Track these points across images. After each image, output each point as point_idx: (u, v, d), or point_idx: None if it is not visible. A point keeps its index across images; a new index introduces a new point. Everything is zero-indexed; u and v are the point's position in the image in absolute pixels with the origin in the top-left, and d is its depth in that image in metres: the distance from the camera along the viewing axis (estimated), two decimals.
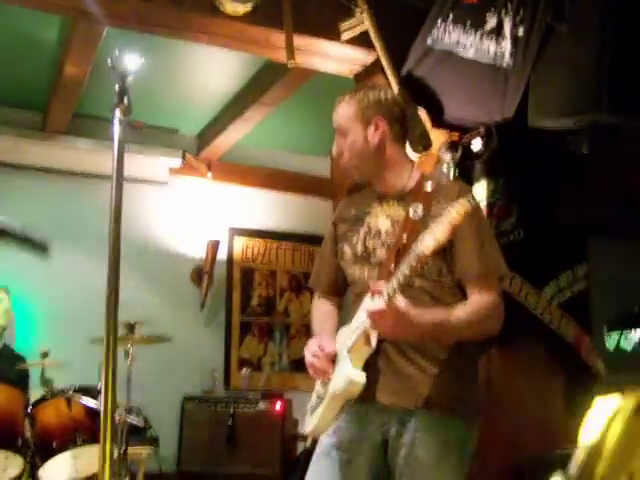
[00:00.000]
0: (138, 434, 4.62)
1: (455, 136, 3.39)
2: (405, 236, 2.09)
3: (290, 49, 3.35)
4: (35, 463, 3.71)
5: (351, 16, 3.32)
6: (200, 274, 6.07)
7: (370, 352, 2.08)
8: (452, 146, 3.37)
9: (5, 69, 4.87)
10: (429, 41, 3.25)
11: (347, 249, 2.32)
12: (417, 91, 3.31)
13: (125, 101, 1.63)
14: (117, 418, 3.79)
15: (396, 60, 3.33)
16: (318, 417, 2.18)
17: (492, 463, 3.07)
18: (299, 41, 3.42)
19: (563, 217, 3.27)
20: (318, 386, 2.22)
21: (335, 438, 2.20)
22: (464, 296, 2.15)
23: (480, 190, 3.25)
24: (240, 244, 6.32)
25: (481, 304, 2.10)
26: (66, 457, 3.68)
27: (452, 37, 3.18)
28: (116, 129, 1.62)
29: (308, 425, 2.23)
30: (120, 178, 1.57)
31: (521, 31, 2.99)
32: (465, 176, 3.32)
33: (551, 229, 3.25)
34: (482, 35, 3.11)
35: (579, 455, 0.72)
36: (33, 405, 3.89)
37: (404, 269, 1.90)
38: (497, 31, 3.07)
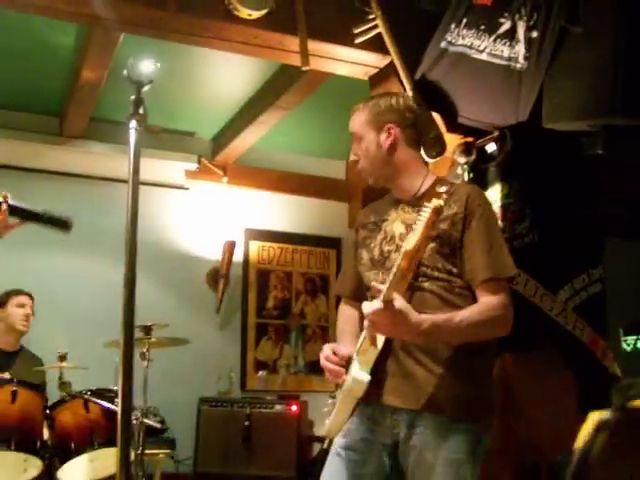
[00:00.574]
0: (155, 436, 4.65)
1: (469, 139, 3.39)
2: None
3: (304, 53, 3.36)
4: (53, 465, 3.74)
5: (365, 20, 3.33)
6: (216, 276, 6.11)
7: (377, 353, 2.11)
8: (466, 149, 3.37)
9: (23, 75, 4.93)
10: (443, 44, 3.25)
11: (365, 254, 2.36)
12: (431, 94, 3.31)
13: (141, 110, 1.65)
14: (134, 420, 3.82)
15: (410, 64, 3.33)
16: (331, 419, 2.21)
17: (507, 466, 3.06)
18: (313, 45, 3.43)
19: (578, 219, 3.26)
20: (337, 391, 2.25)
21: (346, 439, 2.23)
22: (474, 298, 2.16)
23: (494, 193, 3.25)
24: (256, 247, 6.35)
25: (489, 306, 2.12)
26: (84, 459, 3.71)
27: (465, 40, 3.18)
28: (132, 138, 1.64)
29: (325, 427, 2.26)
30: (136, 186, 1.60)
31: (535, 34, 2.99)
32: (479, 179, 3.32)
33: (566, 232, 3.23)
34: (496, 38, 3.11)
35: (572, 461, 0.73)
36: (51, 407, 3.92)
37: (394, 269, 1.96)
38: (511, 34, 3.07)
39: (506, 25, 3.07)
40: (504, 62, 3.07)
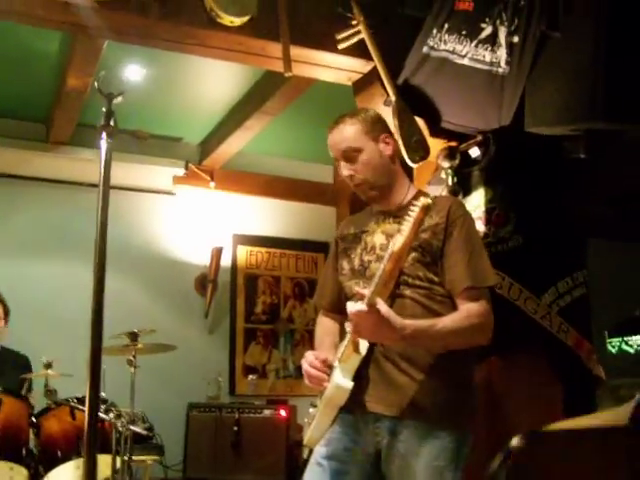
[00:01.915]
0: (143, 442, 4.63)
1: (453, 144, 3.40)
2: None
3: (287, 60, 3.37)
4: (39, 473, 3.73)
5: (347, 26, 3.34)
6: (204, 282, 6.10)
7: (360, 359, 2.12)
8: (450, 154, 3.38)
9: (8, 82, 4.92)
10: (425, 49, 3.27)
11: (345, 265, 2.37)
12: (414, 99, 3.32)
13: (112, 122, 1.66)
14: (120, 427, 3.81)
15: (393, 69, 3.35)
16: (312, 428, 2.21)
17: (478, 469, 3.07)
18: (296, 51, 3.44)
19: (562, 223, 3.28)
20: (317, 399, 2.24)
21: (328, 448, 2.22)
22: (454, 307, 2.17)
23: (478, 197, 3.26)
24: (244, 251, 6.35)
25: (469, 312, 2.13)
26: (70, 466, 3.70)
27: (448, 46, 3.20)
28: (103, 150, 1.65)
29: (305, 436, 2.25)
30: (106, 195, 1.60)
31: (516, 39, 3.00)
32: (463, 183, 3.33)
33: (550, 235, 3.25)
34: (477, 43, 3.13)
35: None
36: (37, 415, 3.91)
37: (379, 271, 1.97)
38: (492, 39, 3.09)
39: (487, 30, 3.09)
40: (486, 67, 3.09)
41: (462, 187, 3.34)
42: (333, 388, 2.11)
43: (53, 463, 3.75)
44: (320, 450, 2.24)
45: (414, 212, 1.94)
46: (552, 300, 3.27)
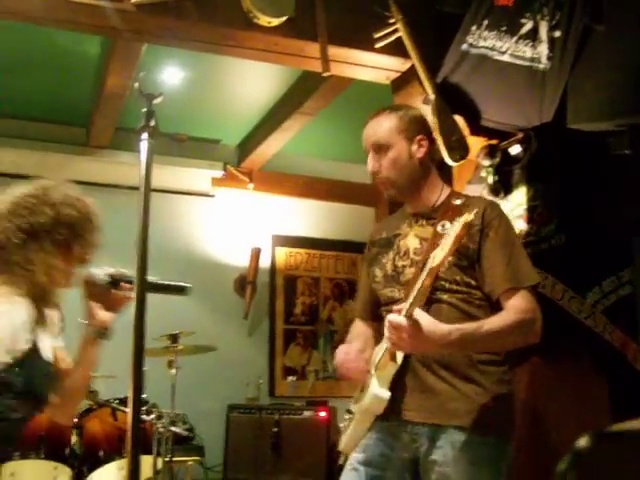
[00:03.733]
0: (184, 443, 4.66)
1: (494, 142, 3.36)
2: (432, 253, 2.08)
3: (325, 59, 3.36)
4: (83, 473, 3.76)
5: (385, 24, 3.31)
6: (243, 283, 6.12)
7: (396, 368, 2.08)
8: (490, 152, 3.33)
9: (49, 87, 4.99)
10: (464, 47, 3.22)
11: (378, 272, 2.33)
12: (454, 97, 3.28)
13: (152, 122, 1.65)
14: (161, 428, 3.84)
15: (431, 67, 3.31)
16: (348, 434, 2.19)
17: (535, 473, 3.02)
18: (334, 51, 3.42)
19: (606, 220, 3.21)
20: (351, 404, 2.23)
21: (364, 454, 2.20)
22: (493, 309, 2.12)
23: (519, 196, 3.21)
24: (283, 253, 6.35)
25: (516, 309, 2.08)
26: (112, 467, 3.73)
27: (487, 42, 3.15)
28: (143, 151, 1.64)
29: (341, 443, 2.24)
30: (147, 197, 1.60)
31: (558, 33, 2.95)
32: (504, 182, 3.28)
33: (594, 234, 3.18)
34: (518, 39, 3.08)
35: None
36: (80, 416, 3.95)
37: (417, 285, 1.93)
38: (533, 35, 3.04)
39: (528, 25, 3.03)
40: (527, 63, 3.04)
41: (503, 185, 3.29)
42: (370, 398, 2.09)
43: (95, 463, 3.79)
44: (356, 456, 2.21)
45: (455, 227, 1.88)
46: (597, 299, 3.21)
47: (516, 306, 2.09)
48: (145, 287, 1.52)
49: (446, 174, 3.65)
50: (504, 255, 2.14)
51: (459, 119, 3.31)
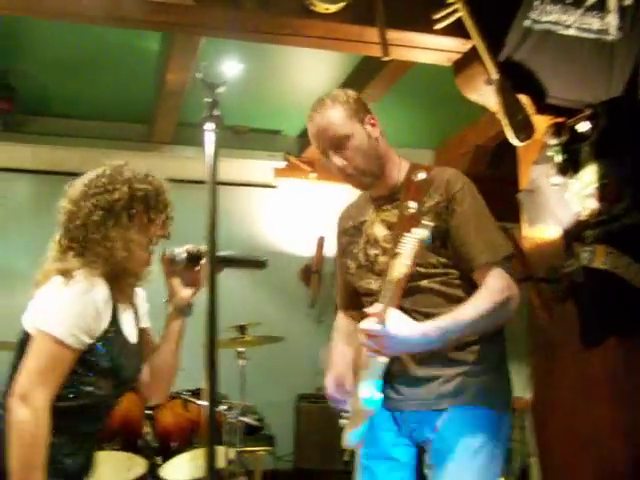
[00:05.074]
0: (254, 434, 4.70)
1: (560, 119, 3.26)
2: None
3: (384, 44, 3.32)
4: (156, 463, 3.83)
5: (444, 5, 3.25)
6: (309, 273, 6.12)
7: (385, 363, 2.04)
8: (557, 130, 3.24)
9: (110, 86, 5.06)
10: (527, 23, 3.13)
11: (351, 263, 2.28)
12: (517, 76, 3.20)
13: (216, 112, 1.64)
14: (232, 419, 3.87)
15: (493, 46, 3.23)
16: (349, 431, 2.17)
17: (611, 456, 2.94)
18: (393, 35, 3.37)
19: None
20: (348, 402, 2.21)
21: (371, 448, 2.19)
22: (474, 287, 2.06)
23: (589, 174, 3.11)
24: None
25: (492, 289, 2.02)
26: (185, 458, 3.79)
27: (551, 17, 3.06)
28: (208, 141, 1.63)
29: (344, 439, 2.21)
30: (214, 188, 1.59)
31: (629, 1, 2.84)
32: (572, 160, 3.19)
33: None
34: (584, 11, 2.98)
35: None
36: (152, 407, 4.02)
37: (388, 293, 1.88)
38: (600, 5, 2.94)
39: None
40: (594, 35, 2.94)
41: (571, 164, 3.20)
42: (362, 402, 2.06)
43: (168, 454, 3.86)
44: (364, 452, 2.21)
45: (411, 243, 1.83)
46: None
47: (489, 286, 2.02)
48: (216, 276, 1.53)
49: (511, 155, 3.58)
50: (472, 229, 2.06)
51: (523, 98, 3.23)
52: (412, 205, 2.01)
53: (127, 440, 3.78)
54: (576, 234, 3.11)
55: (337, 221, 2.45)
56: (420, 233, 1.82)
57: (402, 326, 1.91)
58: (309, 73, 5.05)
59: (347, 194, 2.47)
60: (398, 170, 2.20)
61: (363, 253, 2.22)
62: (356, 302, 2.33)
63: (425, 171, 2.12)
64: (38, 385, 1.79)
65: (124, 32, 4.15)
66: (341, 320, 2.46)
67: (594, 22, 2.92)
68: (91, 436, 2.00)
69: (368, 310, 1.96)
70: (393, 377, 2.10)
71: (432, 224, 1.85)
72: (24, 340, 1.88)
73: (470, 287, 2.08)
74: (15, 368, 1.85)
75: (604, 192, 3.08)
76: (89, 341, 1.88)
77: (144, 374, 2.13)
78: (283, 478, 5.50)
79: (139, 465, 3.71)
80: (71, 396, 1.88)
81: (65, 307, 1.85)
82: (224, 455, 3.81)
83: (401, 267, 1.82)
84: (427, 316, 2.01)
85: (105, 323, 1.92)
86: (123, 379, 2.00)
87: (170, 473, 3.77)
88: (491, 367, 2.13)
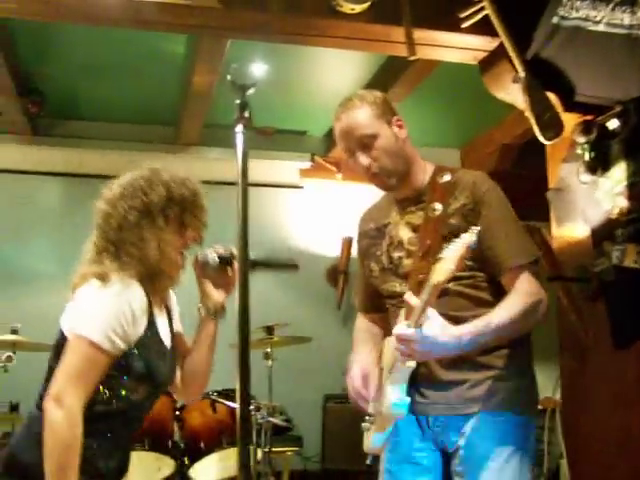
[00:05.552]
0: (282, 434, 4.70)
1: (589, 117, 3.23)
2: (428, 240, 2.00)
3: (410, 43, 3.30)
4: (185, 464, 3.85)
5: (470, 3, 3.22)
6: (335, 273, 6.12)
7: (412, 369, 2.02)
8: (586, 128, 3.20)
9: (137, 89, 5.10)
10: (555, 20, 3.09)
11: (374, 265, 2.26)
12: (545, 74, 3.17)
13: (246, 114, 1.64)
14: (260, 419, 3.87)
15: (520, 44, 3.20)
16: (372, 436, 2.16)
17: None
18: (419, 34, 3.36)
19: None
20: (370, 405, 2.18)
21: (395, 453, 2.18)
22: (501, 290, 2.05)
23: (619, 172, 3.07)
24: None
25: (522, 293, 2.01)
26: (213, 459, 3.80)
27: (580, 13, 3.01)
28: (239, 142, 1.63)
29: (365, 443, 2.20)
30: (245, 189, 1.61)
31: None
32: (602, 158, 3.15)
33: None
34: (614, 6, 2.93)
35: None
36: (180, 408, 4.04)
37: (421, 302, 1.85)
38: (630, 1, 2.89)
39: None
40: (625, 31, 2.89)
41: (601, 162, 3.16)
42: (389, 407, 2.04)
43: (197, 455, 3.87)
44: (388, 456, 2.20)
45: (457, 247, 1.78)
46: None
47: (519, 290, 2.02)
48: (247, 279, 1.53)
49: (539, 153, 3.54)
50: (502, 232, 2.05)
51: (551, 96, 3.19)
52: (437, 207, 2.00)
53: (156, 441, 3.80)
54: (606, 233, 3.07)
55: (358, 223, 2.44)
56: (467, 238, 1.79)
57: (437, 330, 1.89)
58: (334, 74, 5.05)
59: (373, 194, 2.47)
60: (423, 172, 2.20)
61: (387, 256, 2.21)
62: (377, 304, 2.33)
63: (450, 173, 2.10)
64: (72, 387, 1.80)
65: (150, 36, 4.18)
66: (362, 323, 2.45)
67: (625, 17, 2.87)
68: (126, 439, 2.01)
69: (407, 299, 1.94)
70: (419, 381, 2.09)
71: (479, 228, 1.82)
72: (61, 342, 1.90)
73: (496, 290, 2.08)
74: (51, 370, 1.87)
75: (634, 190, 3.04)
76: (125, 346, 1.88)
77: (177, 377, 2.14)
78: (311, 478, 5.51)
79: (168, 466, 3.74)
80: (107, 400, 1.89)
81: (102, 311, 1.86)
82: (252, 455, 3.83)
83: (444, 272, 1.79)
84: (454, 319, 1.99)
85: (142, 328, 1.93)
86: (158, 383, 2.01)
87: (199, 474, 3.79)
88: (519, 371, 2.13)
